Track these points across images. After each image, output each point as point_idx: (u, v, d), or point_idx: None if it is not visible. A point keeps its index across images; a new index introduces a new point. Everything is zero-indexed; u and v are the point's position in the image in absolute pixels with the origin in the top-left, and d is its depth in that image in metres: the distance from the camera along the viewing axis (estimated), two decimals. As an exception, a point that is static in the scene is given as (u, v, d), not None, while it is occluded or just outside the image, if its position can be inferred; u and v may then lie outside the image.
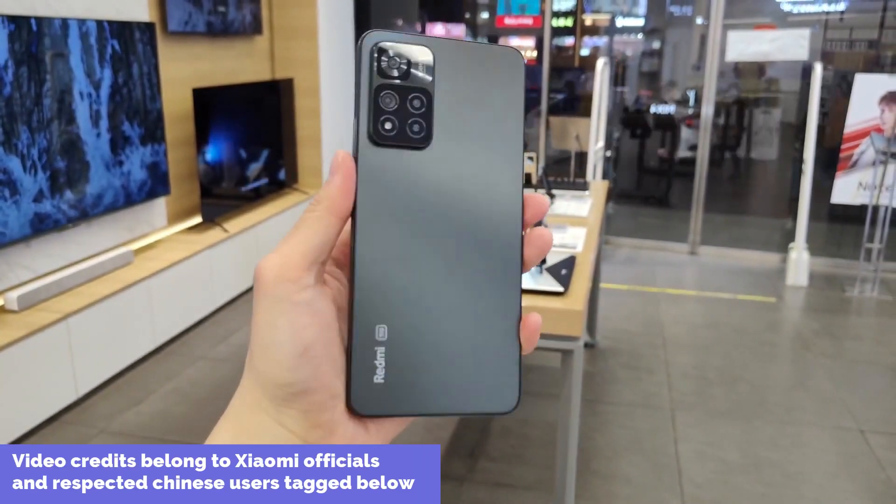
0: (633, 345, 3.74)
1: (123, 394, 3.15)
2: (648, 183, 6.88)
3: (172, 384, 3.25)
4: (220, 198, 4.27)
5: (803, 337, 3.92)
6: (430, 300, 0.37)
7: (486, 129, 0.38)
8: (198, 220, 4.20)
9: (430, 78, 0.37)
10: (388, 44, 0.37)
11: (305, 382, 0.34)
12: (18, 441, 2.75)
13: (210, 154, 4.13)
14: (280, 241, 0.36)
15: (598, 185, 3.50)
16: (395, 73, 0.37)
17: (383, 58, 0.37)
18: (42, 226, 3.02)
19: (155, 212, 3.88)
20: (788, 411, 3.10)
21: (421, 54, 0.38)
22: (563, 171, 5.65)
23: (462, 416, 0.37)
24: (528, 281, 2.05)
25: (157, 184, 3.74)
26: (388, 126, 0.37)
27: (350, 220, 0.37)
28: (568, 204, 3.05)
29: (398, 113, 0.37)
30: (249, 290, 4.38)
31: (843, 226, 5.57)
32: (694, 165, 5.35)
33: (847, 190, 4.52)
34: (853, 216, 4.92)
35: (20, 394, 2.73)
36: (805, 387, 3.33)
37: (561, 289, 1.99)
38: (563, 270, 2.12)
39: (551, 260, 2.20)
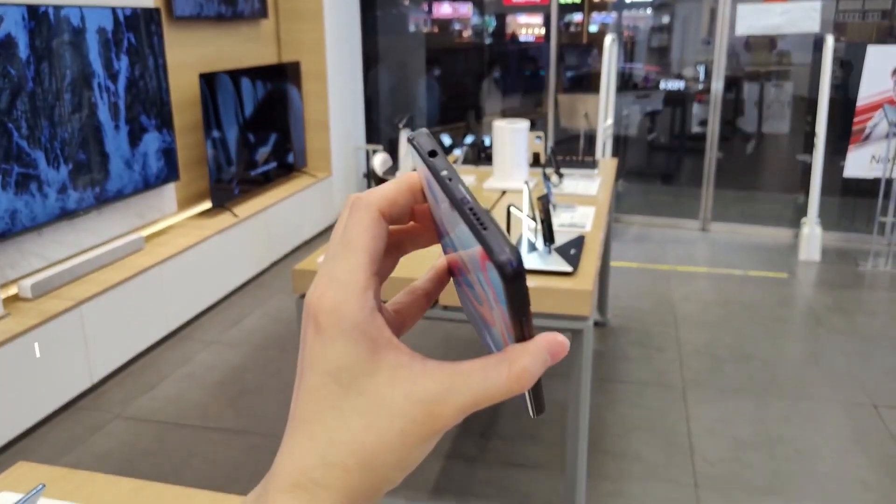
0: (643, 323, 3.73)
1: (137, 379, 3.18)
2: (658, 160, 6.83)
3: (186, 369, 3.28)
4: (230, 182, 4.28)
5: (816, 312, 3.90)
6: None
7: None
8: (207, 205, 4.21)
9: None
10: None
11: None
12: (35, 428, 2.79)
13: (218, 139, 4.13)
14: None
15: (607, 164, 3.48)
16: None
17: None
18: (58, 214, 3.04)
19: (165, 198, 3.89)
20: (801, 387, 3.09)
21: None
22: (572, 150, 5.61)
23: None
24: (537, 261, 2.05)
25: (166, 170, 3.75)
26: None
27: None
28: (577, 183, 3.03)
29: None
30: (260, 273, 4.40)
31: (855, 200, 5.51)
32: (704, 141, 5.30)
33: (860, 163, 4.47)
34: (866, 190, 4.86)
35: (35, 381, 2.77)
36: (817, 363, 3.32)
37: (570, 269, 1.99)
38: (572, 250, 2.12)
39: (560, 240, 2.19)
